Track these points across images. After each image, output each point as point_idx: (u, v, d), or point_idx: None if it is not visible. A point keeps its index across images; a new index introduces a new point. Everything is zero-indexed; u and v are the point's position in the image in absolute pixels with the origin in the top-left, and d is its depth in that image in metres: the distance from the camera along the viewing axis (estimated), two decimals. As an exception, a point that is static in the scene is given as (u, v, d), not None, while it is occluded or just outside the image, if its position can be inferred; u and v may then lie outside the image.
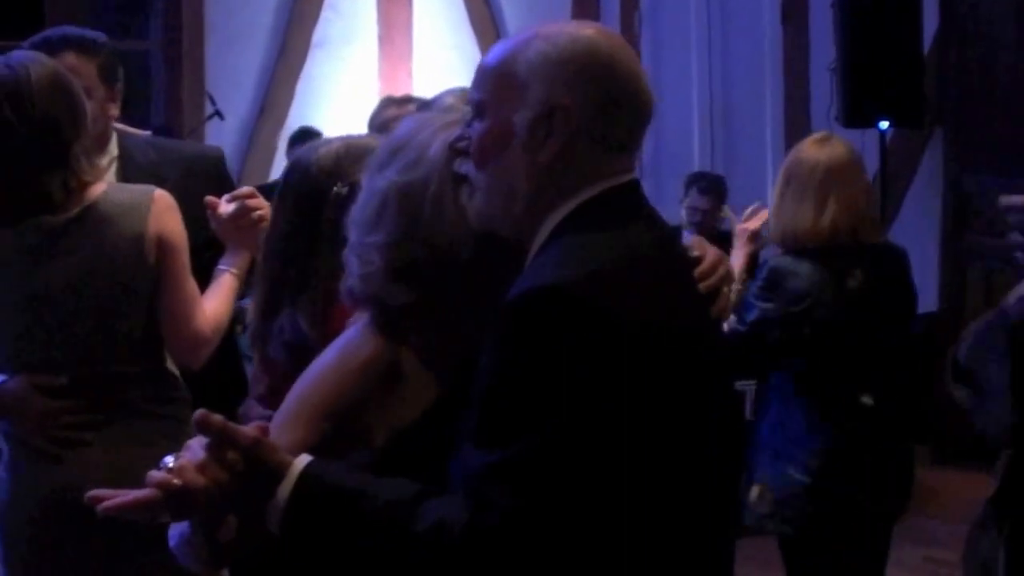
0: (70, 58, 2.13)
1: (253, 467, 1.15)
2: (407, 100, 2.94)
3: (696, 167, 5.38)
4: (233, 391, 1.99)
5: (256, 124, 4.96)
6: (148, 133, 2.44)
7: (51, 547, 1.98)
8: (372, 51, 5.07)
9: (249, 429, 1.16)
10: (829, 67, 5.15)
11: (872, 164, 4.73)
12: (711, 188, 4.57)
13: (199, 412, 1.14)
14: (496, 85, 1.25)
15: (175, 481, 1.12)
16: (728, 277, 1.41)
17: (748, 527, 2.76)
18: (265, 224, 2.05)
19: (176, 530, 1.24)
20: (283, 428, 1.32)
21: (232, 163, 4.89)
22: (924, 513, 2.73)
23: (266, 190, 2.08)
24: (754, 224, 2.96)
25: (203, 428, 1.14)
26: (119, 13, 5.91)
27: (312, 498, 1.15)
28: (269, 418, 1.67)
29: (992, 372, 1.72)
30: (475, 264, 1.30)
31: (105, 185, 2.04)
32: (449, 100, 2.25)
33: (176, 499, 1.13)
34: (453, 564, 1.12)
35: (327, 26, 5.05)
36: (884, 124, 4.90)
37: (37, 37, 2.22)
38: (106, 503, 1.13)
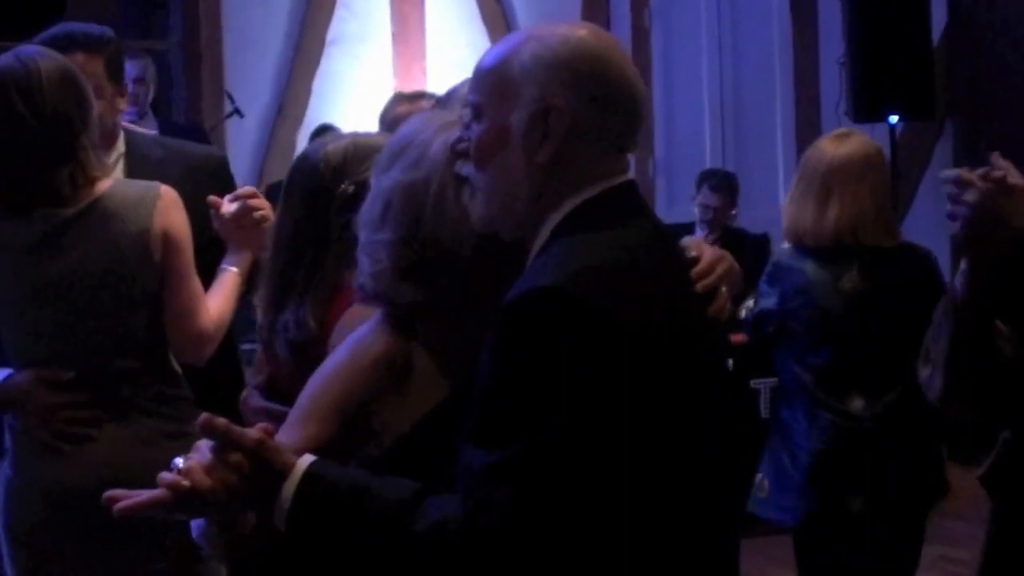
0: (79, 58, 2.14)
1: (258, 468, 1.17)
2: (419, 96, 2.93)
3: (708, 164, 5.40)
4: (233, 388, 2.00)
5: (275, 122, 5.00)
6: (155, 132, 2.45)
7: (54, 542, 1.99)
8: (386, 48, 5.11)
9: (253, 431, 1.18)
10: (838, 61, 5.15)
11: (882, 158, 4.74)
12: (722, 185, 4.58)
13: (203, 416, 1.17)
14: (492, 87, 1.26)
15: (184, 482, 1.15)
16: (727, 276, 1.41)
17: (763, 524, 2.81)
18: (267, 224, 2.09)
19: (196, 522, 1.28)
20: (297, 424, 1.35)
21: (252, 161, 4.97)
22: (939, 512, 2.73)
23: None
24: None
25: (208, 431, 1.16)
26: (141, 11, 5.92)
27: (315, 497, 1.17)
28: (266, 411, 1.68)
29: (940, 349, 1.72)
30: (479, 263, 1.33)
31: (112, 180, 2.05)
32: (464, 91, 2.27)
33: (186, 499, 1.16)
34: (452, 563, 1.14)
35: (341, 24, 5.08)
36: (894, 118, 4.88)
37: (44, 35, 2.23)
38: (121, 504, 1.16)
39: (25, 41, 2.22)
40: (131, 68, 4.22)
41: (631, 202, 1.28)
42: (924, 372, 1.78)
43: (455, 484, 1.17)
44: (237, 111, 4.80)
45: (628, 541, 1.20)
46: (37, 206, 1.98)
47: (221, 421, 1.16)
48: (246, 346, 2.91)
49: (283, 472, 1.17)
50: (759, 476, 2.70)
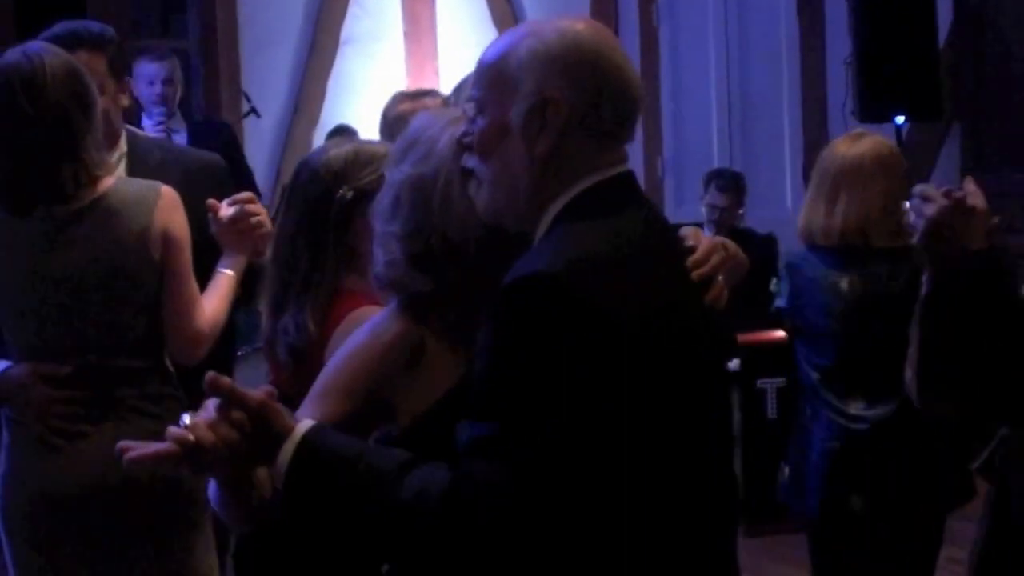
0: (82, 55, 2.14)
1: (259, 428, 1.20)
2: (423, 94, 2.96)
3: (715, 164, 5.41)
4: None
5: (291, 122, 5.02)
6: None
7: (46, 535, 2.00)
8: (399, 48, 5.14)
9: (256, 393, 1.21)
10: (845, 62, 5.15)
11: (888, 159, 4.75)
12: (729, 185, 4.58)
13: (210, 374, 1.19)
14: (492, 82, 1.30)
15: (189, 437, 1.18)
16: (723, 264, 1.42)
17: (763, 524, 2.81)
18: (263, 230, 2.15)
19: (212, 491, 1.31)
20: (314, 401, 1.40)
21: (270, 160, 4.99)
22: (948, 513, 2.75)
23: None
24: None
25: (213, 389, 1.19)
26: (160, 11, 5.92)
27: (310, 461, 1.20)
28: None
29: (911, 352, 1.79)
30: (486, 253, 1.37)
31: (114, 179, 2.06)
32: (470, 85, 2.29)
33: (191, 453, 1.18)
34: (430, 531, 1.16)
35: (354, 23, 5.11)
36: (900, 119, 4.90)
37: (48, 33, 2.23)
38: (130, 454, 1.20)
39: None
40: (159, 69, 4.27)
41: (628, 192, 1.31)
42: (907, 374, 1.83)
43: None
44: (254, 111, 4.84)
45: (606, 522, 1.23)
46: (40, 203, 2.00)
47: (226, 380, 1.19)
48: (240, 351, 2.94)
49: (283, 434, 1.20)
50: (784, 466, 2.71)
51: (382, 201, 1.45)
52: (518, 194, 1.30)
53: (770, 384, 4.09)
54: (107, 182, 2.04)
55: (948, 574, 3.42)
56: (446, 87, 4.98)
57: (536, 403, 1.17)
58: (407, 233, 1.41)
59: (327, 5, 5.05)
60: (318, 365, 1.53)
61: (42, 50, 2.01)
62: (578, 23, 1.32)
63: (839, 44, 5.32)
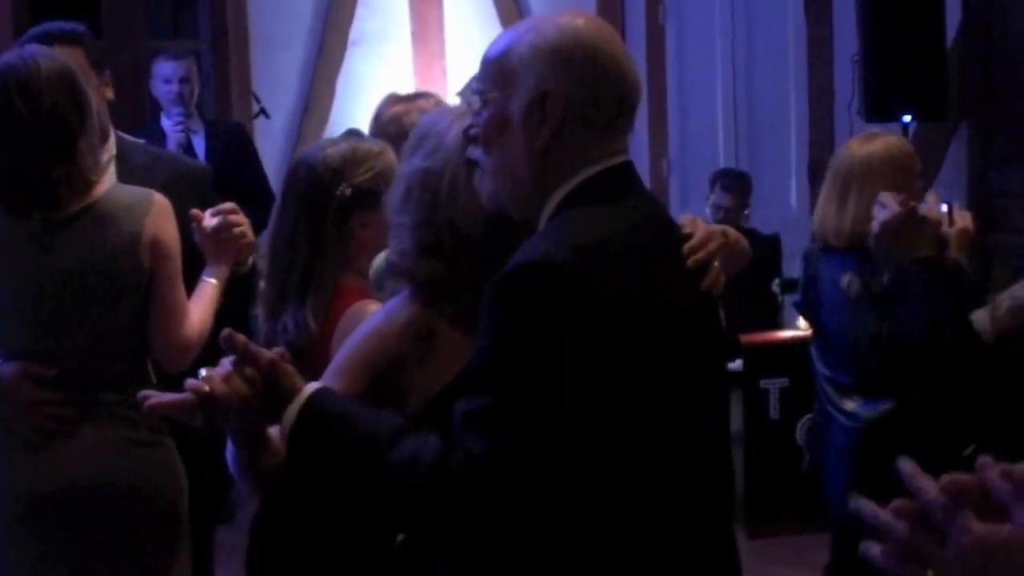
0: (60, 51, 2.15)
1: (269, 385, 1.26)
2: (416, 96, 2.99)
3: (721, 161, 5.38)
4: None
5: (301, 122, 5.04)
6: (142, 141, 2.54)
7: (27, 535, 2.01)
8: (406, 48, 5.16)
9: (269, 352, 1.27)
10: (852, 60, 5.12)
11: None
12: (735, 185, 4.55)
13: (225, 331, 1.26)
14: (495, 75, 1.34)
15: (204, 387, 1.24)
16: (719, 251, 1.44)
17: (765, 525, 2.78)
18: (246, 240, 2.18)
19: (230, 450, 1.35)
20: (329, 378, 1.45)
21: (280, 161, 5.02)
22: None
23: None
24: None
25: (228, 345, 1.25)
26: (172, 12, 5.96)
27: (313, 420, 1.25)
28: None
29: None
30: (493, 242, 1.41)
31: (108, 184, 2.08)
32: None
33: (205, 403, 1.24)
34: (417, 497, 1.21)
35: (362, 24, 5.14)
36: (907, 118, 4.86)
37: (25, 37, 2.27)
38: (151, 401, 1.27)
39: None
40: (176, 67, 4.32)
41: (627, 181, 1.35)
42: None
43: None
44: (263, 112, 4.86)
45: (591, 500, 1.26)
46: (34, 207, 2.01)
47: (241, 338, 1.26)
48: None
49: (291, 393, 1.26)
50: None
51: (394, 193, 1.51)
52: (520, 184, 1.34)
53: (773, 385, 4.07)
54: (101, 188, 2.06)
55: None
56: (453, 86, 5.02)
57: (530, 383, 1.21)
58: (417, 223, 1.46)
59: (335, 5, 5.08)
60: (321, 362, 1.57)
61: (38, 53, 2.03)
62: (578, 18, 1.35)
63: (846, 42, 5.29)
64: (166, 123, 4.27)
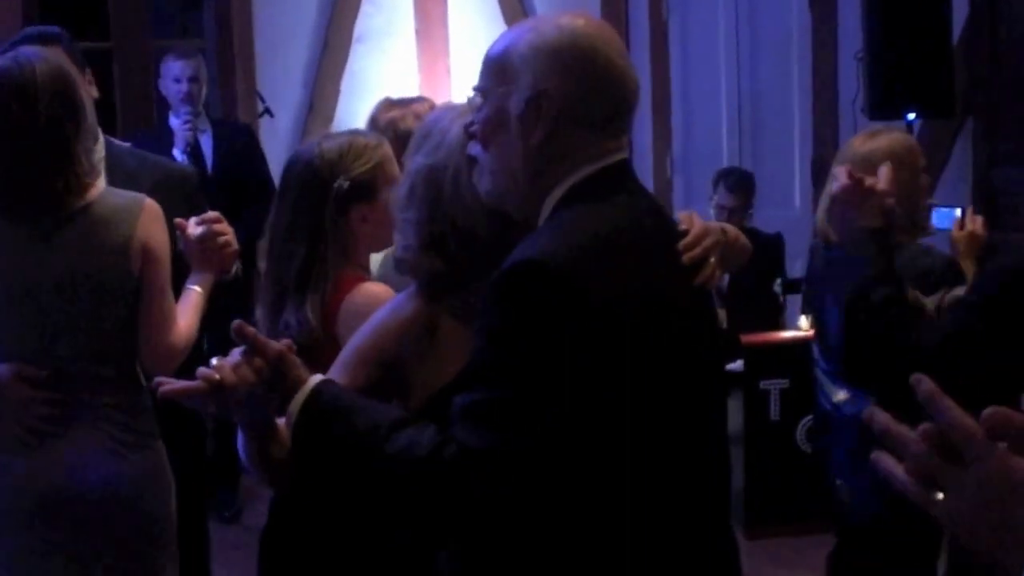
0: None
1: (276, 375, 1.29)
2: (410, 100, 3.02)
3: (725, 160, 5.36)
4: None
5: (306, 120, 5.05)
6: (128, 145, 2.57)
7: (16, 534, 2.03)
8: (411, 45, 5.15)
9: (277, 344, 1.31)
10: (856, 56, 5.08)
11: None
12: (739, 185, 4.53)
13: (236, 321, 1.30)
14: (494, 73, 1.36)
15: (215, 376, 1.28)
16: (715, 248, 1.45)
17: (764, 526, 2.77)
18: (230, 249, 2.20)
19: (241, 440, 1.38)
20: (335, 371, 1.49)
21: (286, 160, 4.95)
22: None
23: None
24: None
25: (239, 336, 1.29)
26: (180, 12, 5.98)
27: (317, 411, 1.28)
28: None
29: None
30: (495, 239, 1.43)
31: (101, 188, 2.10)
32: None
33: (215, 391, 1.28)
34: (412, 487, 1.24)
35: (367, 20, 5.13)
36: (911, 115, 4.81)
37: (5, 45, 2.30)
38: (165, 387, 1.31)
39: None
40: (185, 66, 4.33)
41: (620, 179, 1.37)
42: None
43: None
44: (267, 111, 4.87)
45: (580, 494, 1.27)
46: (31, 212, 2.03)
47: (251, 329, 1.30)
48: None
49: (296, 384, 1.30)
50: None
51: (399, 190, 1.54)
52: (517, 182, 1.36)
53: (773, 385, 4.06)
54: (95, 191, 2.07)
55: None
56: (457, 84, 5.01)
57: (525, 381, 1.22)
58: (420, 220, 1.49)
59: (340, 3, 5.08)
60: (325, 356, 1.59)
61: (33, 57, 2.03)
62: (579, 19, 1.37)
63: (851, 38, 5.25)
64: (174, 122, 4.29)
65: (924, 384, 0.80)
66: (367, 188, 1.85)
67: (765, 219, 4.72)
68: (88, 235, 2.03)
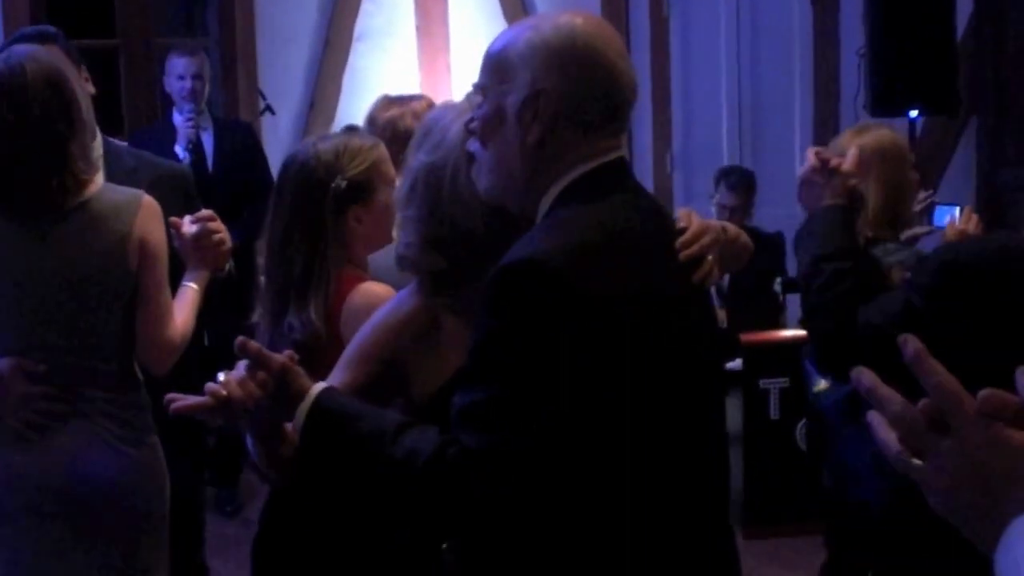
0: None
1: (280, 387, 1.31)
2: (409, 98, 3.03)
3: (725, 157, 5.34)
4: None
5: (308, 118, 5.06)
6: (126, 144, 2.59)
7: (13, 528, 2.05)
8: (411, 43, 5.16)
9: (279, 356, 1.33)
10: (858, 52, 5.05)
11: (902, 154, 4.64)
12: (740, 183, 4.51)
13: (240, 338, 1.32)
14: (493, 71, 1.37)
15: (222, 391, 1.31)
16: (713, 246, 1.45)
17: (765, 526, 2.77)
18: (224, 247, 2.22)
19: (249, 442, 1.41)
20: (339, 368, 1.52)
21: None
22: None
23: None
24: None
25: (243, 351, 1.32)
26: (185, 9, 6.01)
27: (321, 418, 1.30)
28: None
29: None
30: (495, 236, 1.44)
31: (100, 184, 2.10)
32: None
33: (222, 406, 1.31)
34: (416, 489, 1.25)
35: (367, 19, 5.14)
36: (914, 113, 4.77)
37: (3, 43, 2.34)
38: (176, 404, 1.34)
39: (75, 40, 2.43)
40: (189, 64, 4.37)
41: (616, 177, 1.37)
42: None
43: None
44: (269, 108, 4.89)
45: (582, 492, 1.28)
46: (28, 209, 2.04)
47: (254, 344, 1.32)
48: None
49: (300, 394, 1.32)
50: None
51: (401, 188, 1.56)
52: (514, 179, 1.37)
53: (773, 385, 4.04)
54: (94, 187, 2.08)
55: None
56: (457, 82, 5.01)
57: (522, 380, 1.23)
58: (421, 217, 1.50)
59: (341, 2, 5.09)
60: (330, 358, 1.60)
61: (25, 58, 2.04)
62: (577, 18, 1.37)
63: (853, 35, 5.22)
64: (177, 119, 4.32)
65: (911, 344, 0.76)
66: (363, 189, 1.86)
67: (765, 217, 4.70)
68: (86, 231, 2.04)
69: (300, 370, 1.33)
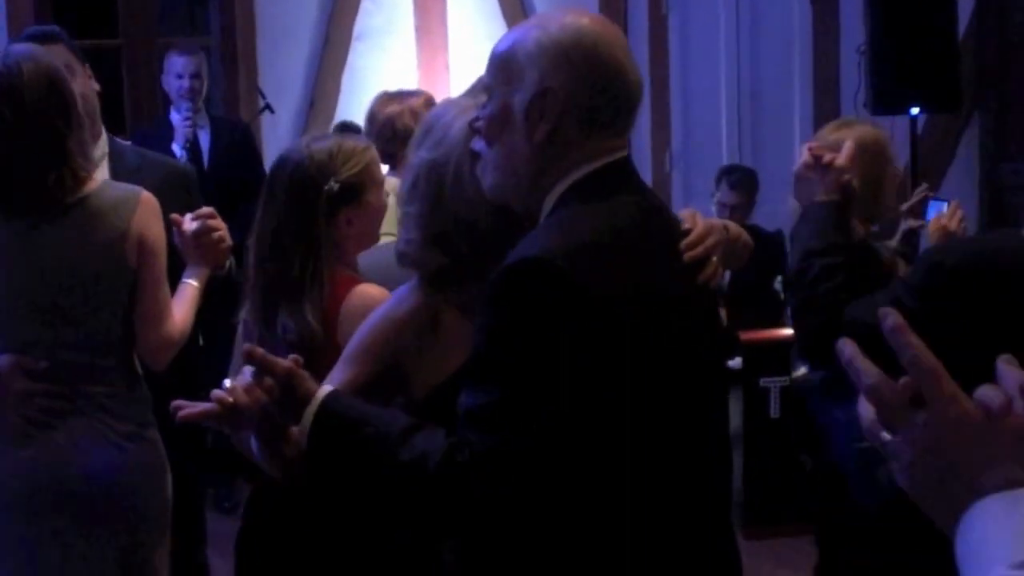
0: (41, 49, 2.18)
1: (287, 392, 1.32)
2: (407, 94, 3.05)
3: (725, 155, 5.33)
4: (189, 395, 2.12)
5: (307, 117, 5.07)
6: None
7: (10, 524, 2.06)
8: (410, 43, 5.17)
9: (284, 362, 1.34)
10: (858, 49, 5.03)
11: (903, 152, 4.63)
12: (742, 183, 4.48)
13: (246, 345, 1.34)
14: (500, 70, 1.38)
15: (228, 399, 1.32)
16: (717, 247, 1.46)
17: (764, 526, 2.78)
18: (224, 244, 2.22)
19: (254, 443, 1.42)
20: (341, 365, 1.53)
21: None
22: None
23: None
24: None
25: (249, 358, 1.33)
26: (188, 9, 6.04)
27: (328, 422, 1.31)
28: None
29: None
30: (497, 232, 1.45)
31: (99, 181, 2.12)
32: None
33: (229, 412, 1.33)
34: (426, 493, 1.26)
35: (367, 18, 5.16)
36: (915, 110, 4.75)
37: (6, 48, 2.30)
38: (182, 413, 1.36)
39: (80, 40, 2.47)
40: (187, 62, 4.39)
41: (621, 177, 1.38)
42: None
43: None
44: (268, 107, 4.90)
45: (591, 491, 1.29)
46: (26, 205, 2.05)
47: (259, 350, 1.33)
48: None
49: (306, 398, 1.32)
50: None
51: (403, 184, 1.55)
52: (519, 178, 1.37)
53: (773, 383, 4.03)
54: (93, 184, 2.09)
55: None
56: (456, 81, 5.02)
57: (526, 381, 1.24)
58: (423, 213, 1.50)
59: (341, 1, 5.10)
60: (328, 358, 1.60)
61: (21, 57, 2.05)
62: (584, 17, 1.38)
63: (854, 31, 5.21)
64: (175, 117, 4.35)
65: (891, 317, 0.76)
66: (355, 191, 1.87)
67: (765, 215, 4.67)
68: (85, 227, 2.04)
69: (306, 374, 1.33)
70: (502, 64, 1.37)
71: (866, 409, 0.79)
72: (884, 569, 2.62)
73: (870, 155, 2.54)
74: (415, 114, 2.94)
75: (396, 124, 2.97)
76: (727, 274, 4.29)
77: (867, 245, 2.57)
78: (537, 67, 1.34)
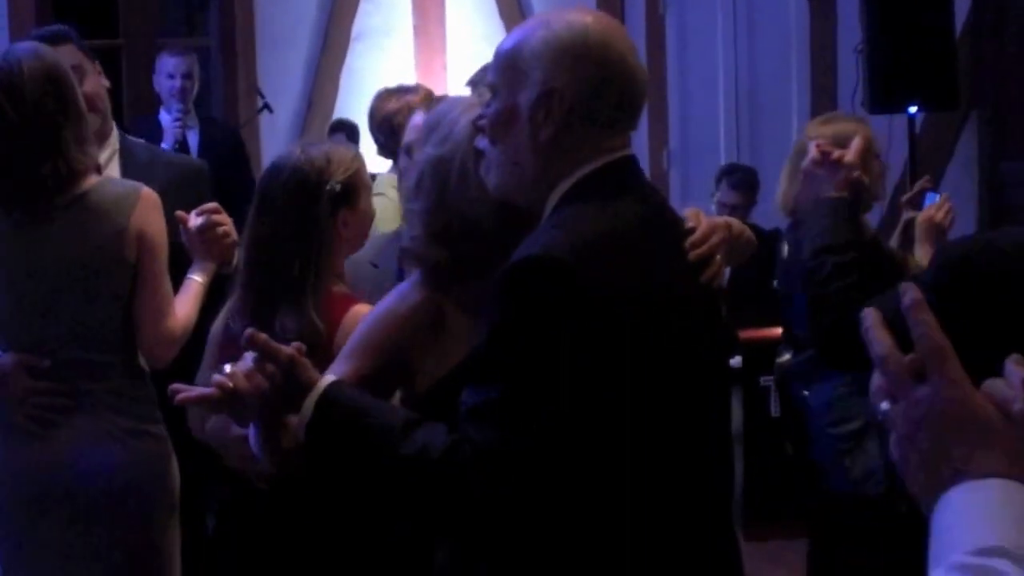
0: (48, 48, 2.19)
1: (288, 380, 1.31)
2: (405, 91, 3.06)
3: (722, 154, 5.32)
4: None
5: (306, 117, 5.06)
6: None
7: (14, 521, 2.06)
8: (408, 43, 5.18)
9: (287, 348, 1.32)
10: (856, 48, 5.02)
11: (901, 151, 4.62)
12: (742, 182, 4.46)
13: (248, 330, 1.32)
14: (506, 69, 1.38)
15: (228, 383, 1.30)
16: (722, 245, 1.45)
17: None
18: (229, 239, 2.22)
19: (252, 432, 1.41)
20: (343, 359, 1.52)
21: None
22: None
23: None
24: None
25: (251, 343, 1.31)
26: (187, 11, 6.05)
27: (329, 411, 1.30)
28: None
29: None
30: (501, 229, 1.45)
31: (99, 177, 2.11)
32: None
33: (229, 398, 1.30)
34: (427, 487, 1.26)
35: (365, 18, 5.18)
36: (913, 108, 4.72)
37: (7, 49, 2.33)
38: (181, 395, 1.34)
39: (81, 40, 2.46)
40: (179, 63, 4.40)
41: (626, 175, 1.38)
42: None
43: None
44: (267, 107, 4.91)
45: (593, 489, 1.29)
46: (23, 198, 2.05)
47: (262, 336, 1.31)
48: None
49: (308, 386, 1.31)
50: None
51: (408, 180, 1.60)
52: (524, 176, 1.37)
53: (773, 382, 4.02)
54: (92, 180, 2.09)
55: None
56: (454, 81, 5.03)
57: (529, 379, 1.24)
58: (427, 210, 1.51)
59: (339, 1, 5.12)
60: (327, 357, 1.59)
61: (23, 53, 2.07)
62: (588, 16, 1.39)
63: (851, 30, 5.20)
64: (165, 118, 4.36)
65: (911, 292, 0.77)
66: (351, 193, 1.89)
67: (764, 215, 4.67)
68: (84, 223, 2.04)
69: (308, 362, 1.32)
70: (507, 63, 1.37)
71: (875, 379, 0.80)
72: (875, 565, 2.64)
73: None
74: (411, 109, 2.95)
75: (395, 120, 2.99)
76: (727, 271, 4.28)
77: (878, 242, 2.58)
78: (542, 66, 1.34)
